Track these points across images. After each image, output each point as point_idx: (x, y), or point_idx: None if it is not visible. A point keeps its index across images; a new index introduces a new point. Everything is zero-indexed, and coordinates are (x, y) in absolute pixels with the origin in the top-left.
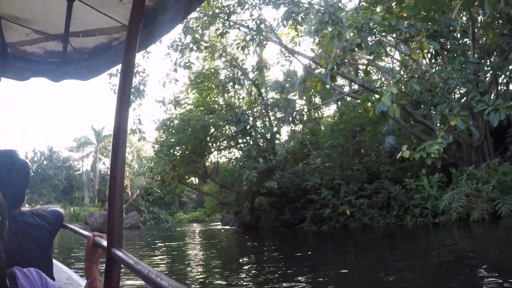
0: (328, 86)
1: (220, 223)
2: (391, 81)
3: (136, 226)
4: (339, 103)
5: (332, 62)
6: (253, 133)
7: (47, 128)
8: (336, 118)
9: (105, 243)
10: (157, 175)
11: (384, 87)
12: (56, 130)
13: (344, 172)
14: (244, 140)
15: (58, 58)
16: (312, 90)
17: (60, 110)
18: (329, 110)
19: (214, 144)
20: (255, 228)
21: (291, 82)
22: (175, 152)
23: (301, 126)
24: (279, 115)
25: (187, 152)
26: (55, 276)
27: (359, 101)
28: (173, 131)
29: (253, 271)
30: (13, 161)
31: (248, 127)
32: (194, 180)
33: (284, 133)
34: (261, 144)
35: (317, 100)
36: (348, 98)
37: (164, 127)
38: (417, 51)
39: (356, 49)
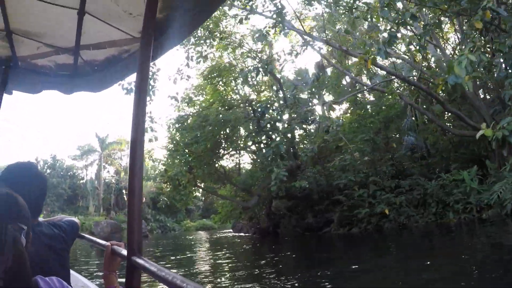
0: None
1: (231, 230)
2: (465, 49)
3: (144, 235)
4: (370, 96)
5: (388, 33)
6: (279, 128)
7: (47, 128)
8: (360, 113)
9: (124, 251)
10: (170, 179)
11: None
12: (56, 130)
13: (377, 168)
14: (264, 138)
15: (69, 71)
16: (325, 89)
17: (60, 109)
18: (339, 110)
19: (229, 144)
20: (273, 234)
21: (303, 80)
22: (191, 152)
23: (314, 125)
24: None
25: (204, 152)
26: (72, 284)
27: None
28: (187, 129)
29: (290, 283)
30: (32, 173)
31: (272, 122)
32: (203, 183)
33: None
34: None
35: (329, 98)
36: (359, 95)
37: (178, 125)
38: (479, 20)
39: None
